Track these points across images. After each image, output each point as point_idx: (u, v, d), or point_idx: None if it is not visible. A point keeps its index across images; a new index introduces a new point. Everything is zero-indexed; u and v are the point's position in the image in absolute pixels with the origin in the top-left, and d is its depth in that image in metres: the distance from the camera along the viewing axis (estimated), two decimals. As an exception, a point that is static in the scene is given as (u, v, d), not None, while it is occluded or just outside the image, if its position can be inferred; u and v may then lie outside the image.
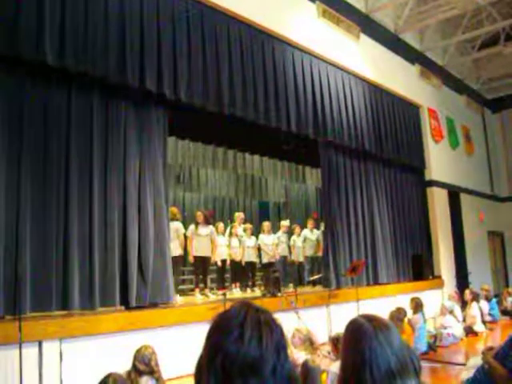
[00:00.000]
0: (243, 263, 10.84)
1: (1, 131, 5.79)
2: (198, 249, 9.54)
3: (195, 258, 9.60)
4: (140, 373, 4.47)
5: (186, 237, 9.49)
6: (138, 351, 4.61)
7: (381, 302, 9.97)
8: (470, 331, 9.59)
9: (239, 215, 11.23)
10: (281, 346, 1.13)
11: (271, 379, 1.07)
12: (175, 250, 8.69)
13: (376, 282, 11.42)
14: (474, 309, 10.25)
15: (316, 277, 11.67)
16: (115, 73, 6.82)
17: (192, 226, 9.75)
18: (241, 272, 10.90)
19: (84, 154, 6.57)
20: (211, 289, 10.26)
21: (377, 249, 11.73)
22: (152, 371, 4.55)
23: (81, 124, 6.58)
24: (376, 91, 12.41)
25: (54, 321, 5.81)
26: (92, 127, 6.69)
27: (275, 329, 1.14)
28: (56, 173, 6.27)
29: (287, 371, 1.11)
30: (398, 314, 7.25)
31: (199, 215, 9.87)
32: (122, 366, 4.55)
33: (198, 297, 9.25)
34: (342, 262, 10.60)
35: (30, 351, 5.31)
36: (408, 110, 13.86)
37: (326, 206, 10.92)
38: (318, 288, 10.86)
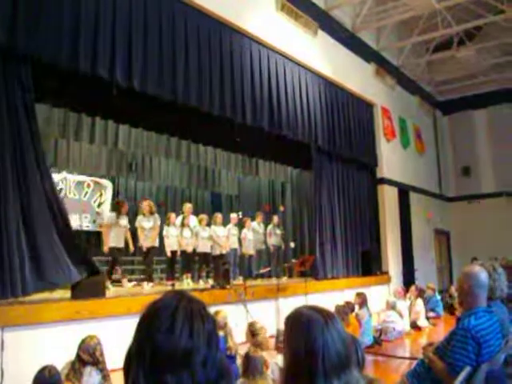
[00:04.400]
0: (196, 254, 10.82)
1: None
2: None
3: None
4: (84, 363, 4.42)
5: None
6: (83, 341, 4.58)
7: (329, 296, 10.10)
8: (414, 326, 9.85)
9: (188, 206, 11.16)
10: (212, 337, 1.12)
11: (202, 371, 1.06)
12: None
13: (325, 277, 11.56)
14: (418, 305, 10.53)
15: (265, 270, 11.76)
16: (67, 57, 6.67)
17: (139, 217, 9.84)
18: (193, 263, 10.86)
19: None
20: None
21: (326, 243, 11.87)
22: (96, 362, 4.51)
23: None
24: (331, 88, 12.54)
25: None
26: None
27: (207, 320, 1.13)
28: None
29: (218, 362, 1.10)
30: (344, 308, 7.38)
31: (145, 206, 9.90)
32: (67, 356, 4.47)
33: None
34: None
35: None
36: (362, 108, 14.06)
37: (316, 205, 11.96)
38: (268, 281, 10.96)
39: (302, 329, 1.56)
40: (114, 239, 9.06)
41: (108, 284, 8.72)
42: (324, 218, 12.02)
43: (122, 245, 9.23)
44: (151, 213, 9.78)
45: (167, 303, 1.12)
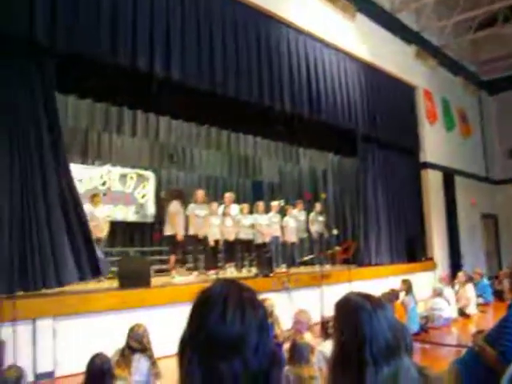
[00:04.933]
0: (237, 242, 10.88)
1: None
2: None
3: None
4: (133, 350, 4.52)
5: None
6: (132, 329, 4.68)
7: (373, 284, 9.99)
8: (462, 313, 9.65)
9: (228, 195, 11.22)
10: (263, 324, 1.12)
11: (254, 358, 1.07)
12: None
13: (369, 264, 11.46)
14: (468, 291, 10.30)
15: (308, 257, 11.72)
16: (107, 52, 6.77)
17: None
18: (235, 251, 10.92)
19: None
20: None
21: (370, 230, 11.75)
22: (145, 349, 4.61)
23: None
24: (371, 71, 12.33)
25: (47, 299, 5.89)
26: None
27: (258, 307, 1.13)
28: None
29: (269, 350, 1.11)
30: (390, 296, 7.29)
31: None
32: (114, 344, 4.58)
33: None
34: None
35: (24, 328, 5.40)
36: (403, 91, 13.79)
37: (361, 192, 11.97)
38: (311, 268, 10.94)
39: (350, 315, 1.58)
40: (182, 228, 9.20)
41: (174, 273, 8.86)
42: (368, 204, 11.90)
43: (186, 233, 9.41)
44: (204, 202, 9.89)
45: (218, 291, 1.13)
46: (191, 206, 9.76)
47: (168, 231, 9.32)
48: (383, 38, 13.03)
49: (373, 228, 11.86)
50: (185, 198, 9.63)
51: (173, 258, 9.35)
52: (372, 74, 12.36)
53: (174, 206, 9.30)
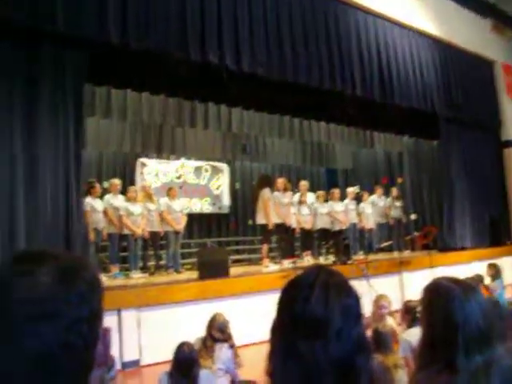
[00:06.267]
0: (314, 230, 10.82)
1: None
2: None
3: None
4: (215, 340, 4.56)
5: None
6: (213, 319, 4.70)
7: (456, 269, 9.66)
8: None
9: (303, 184, 11.16)
10: (350, 309, 1.10)
11: (336, 342, 1.05)
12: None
13: (454, 248, 11.10)
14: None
15: (386, 244, 11.50)
16: (177, 48, 6.90)
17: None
18: (312, 240, 10.87)
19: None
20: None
21: (455, 213, 11.39)
22: (227, 338, 4.65)
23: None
24: (445, 49, 11.88)
25: (130, 291, 6.11)
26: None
27: (345, 292, 1.12)
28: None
29: (355, 336, 1.08)
30: (474, 281, 7.01)
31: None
32: (195, 333, 4.67)
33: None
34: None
35: (110, 319, 5.61)
36: (481, 67, 13.19)
37: (445, 176, 11.68)
38: (390, 255, 10.75)
39: (441, 301, 1.54)
40: (273, 215, 9.21)
41: (267, 262, 8.94)
42: (453, 186, 11.55)
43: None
44: (285, 189, 9.89)
45: (306, 276, 1.14)
46: (276, 193, 9.73)
47: (260, 219, 9.30)
48: (456, 13, 12.49)
49: (457, 211, 11.47)
50: (273, 185, 9.65)
51: (265, 246, 9.38)
52: (446, 51, 11.90)
53: (267, 193, 9.26)
